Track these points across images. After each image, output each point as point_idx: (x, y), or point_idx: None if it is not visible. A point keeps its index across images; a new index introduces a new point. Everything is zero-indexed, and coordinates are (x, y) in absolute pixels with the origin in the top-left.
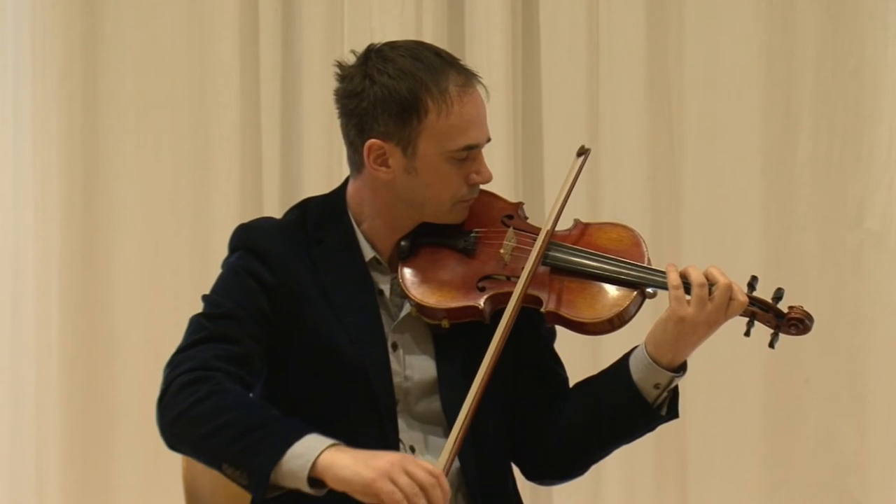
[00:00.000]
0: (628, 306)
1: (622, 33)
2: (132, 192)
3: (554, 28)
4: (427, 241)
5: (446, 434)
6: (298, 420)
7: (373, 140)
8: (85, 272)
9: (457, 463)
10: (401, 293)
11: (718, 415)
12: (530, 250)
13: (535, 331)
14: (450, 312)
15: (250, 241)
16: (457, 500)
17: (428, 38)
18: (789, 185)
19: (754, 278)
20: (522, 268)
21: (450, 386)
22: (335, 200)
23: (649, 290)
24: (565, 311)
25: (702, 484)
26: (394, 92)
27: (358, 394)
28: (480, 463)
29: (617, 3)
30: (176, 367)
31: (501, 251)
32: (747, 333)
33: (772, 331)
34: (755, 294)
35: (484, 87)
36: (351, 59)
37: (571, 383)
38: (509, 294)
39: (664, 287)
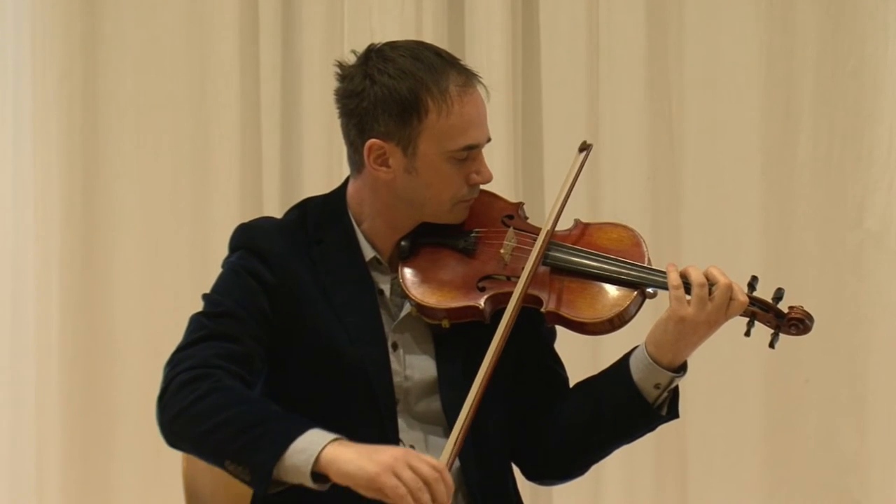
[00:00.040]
0: (628, 306)
1: (622, 33)
2: (132, 192)
3: (554, 28)
4: (427, 241)
5: (446, 434)
6: (300, 415)
7: (373, 140)
8: (85, 272)
9: (457, 463)
10: (401, 293)
11: (718, 415)
12: (530, 250)
13: (535, 331)
14: (450, 312)
15: (251, 240)
16: (457, 500)
17: (428, 38)
18: (789, 185)
19: (754, 278)
20: (523, 268)
21: (450, 386)
22: (335, 200)
23: (649, 290)
24: (565, 311)
25: (702, 484)
26: (394, 92)
27: (358, 393)
28: (480, 463)
29: (617, 3)
30: (176, 366)
31: (502, 251)
32: (747, 333)
33: (772, 331)
34: (755, 294)
35: (484, 86)
36: (351, 59)
37: (571, 383)
38: (509, 294)
39: (664, 287)
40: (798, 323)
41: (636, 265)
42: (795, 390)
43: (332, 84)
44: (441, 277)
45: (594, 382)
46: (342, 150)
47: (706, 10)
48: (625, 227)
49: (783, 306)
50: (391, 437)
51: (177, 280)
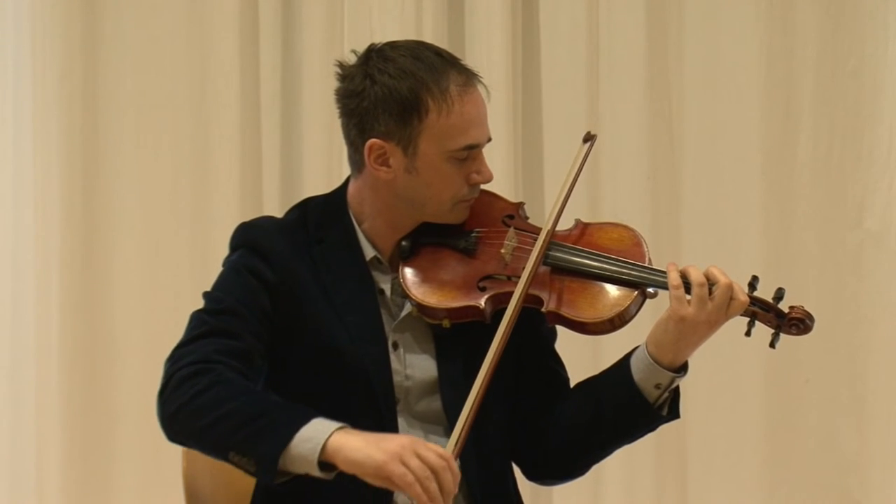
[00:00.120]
0: (629, 306)
1: (622, 33)
2: (132, 192)
3: (554, 28)
4: (428, 240)
5: (447, 433)
6: (303, 405)
7: (373, 140)
8: (85, 272)
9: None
10: (402, 293)
11: (718, 415)
12: (531, 250)
13: (535, 331)
14: (450, 312)
15: (252, 239)
16: (457, 500)
17: (428, 38)
18: (789, 185)
19: (755, 278)
20: (523, 268)
21: (451, 386)
22: (336, 200)
23: (650, 289)
24: (566, 311)
25: (702, 484)
26: (394, 91)
27: (358, 393)
28: (481, 463)
29: (617, 3)
30: (177, 362)
31: (502, 251)
32: (748, 333)
33: (772, 331)
34: (756, 294)
35: (485, 86)
36: (352, 59)
37: (572, 383)
38: (510, 294)
39: (665, 287)
40: (799, 323)
41: (637, 265)
42: (795, 390)
43: (332, 84)
44: (442, 277)
45: (595, 383)
46: (342, 150)
47: (706, 10)
48: (625, 227)
49: (784, 306)
50: None
51: (177, 280)
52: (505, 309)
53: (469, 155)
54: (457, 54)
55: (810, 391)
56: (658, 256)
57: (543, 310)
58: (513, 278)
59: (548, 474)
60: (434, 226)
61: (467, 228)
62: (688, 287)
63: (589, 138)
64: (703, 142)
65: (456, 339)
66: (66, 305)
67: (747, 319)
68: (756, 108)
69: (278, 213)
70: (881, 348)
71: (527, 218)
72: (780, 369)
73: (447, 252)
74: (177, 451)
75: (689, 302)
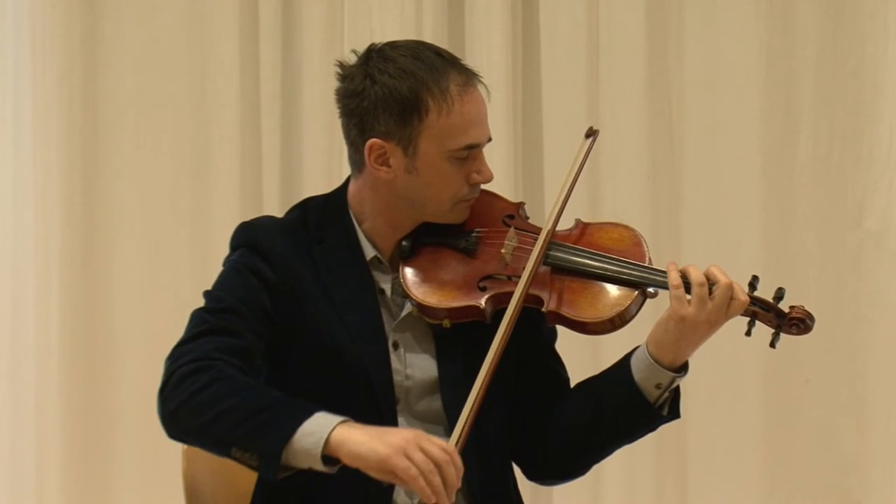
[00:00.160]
0: (629, 306)
1: (622, 33)
2: (132, 192)
3: (554, 28)
4: (428, 240)
5: (447, 433)
6: (304, 400)
7: (374, 139)
8: (85, 272)
9: None
10: (402, 293)
11: (718, 415)
12: (531, 250)
13: (536, 331)
14: (451, 312)
15: (252, 238)
16: (457, 500)
17: (428, 38)
18: (789, 185)
19: (755, 278)
20: (523, 267)
21: (451, 385)
22: (336, 200)
23: (650, 289)
24: (566, 311)
25: (702, 484)
26: (395, 91)
27: (358, 392)
28: (481, 463)
29: (617, 3)
30: (177, 360)
31: (502, 251)
32: (748, 333)
33: (773, 330)
34: (756, 294)
35: (485, 86)
36: (352, 59)
37: (572, 383)
38: (510, 294)
39: (665, 287)
40: (799, 322)
41: (637, 265)
42: (795, 390)
43: (332, 84)
44: (442, 277)
45: (595, 382)
46: (342, 150)
47: (706, 10)
48: (625, 227)
49: (784, 306)
50: None
51: (177, 280)
52: (505, 309)
53: (469, 155)
54: (457, 54)
55: (810, 391)
56: (658, 256)
57: (544, 310)
58: (513, 278)
59: (548, 474)
60: (434, 226)
61: (468, 228)
62: (688, 287)
63: (591, 133)
64: (703, 142)
65: (456, 339)
66: (66, 305)
67: (747, 319)
68: (756, 108)
69: (278, 213)
70: (881, 348)
71: (527, 218)
72: (780, 369)
73: (447, 252)
74: (177, 451)
75: (689, 302)
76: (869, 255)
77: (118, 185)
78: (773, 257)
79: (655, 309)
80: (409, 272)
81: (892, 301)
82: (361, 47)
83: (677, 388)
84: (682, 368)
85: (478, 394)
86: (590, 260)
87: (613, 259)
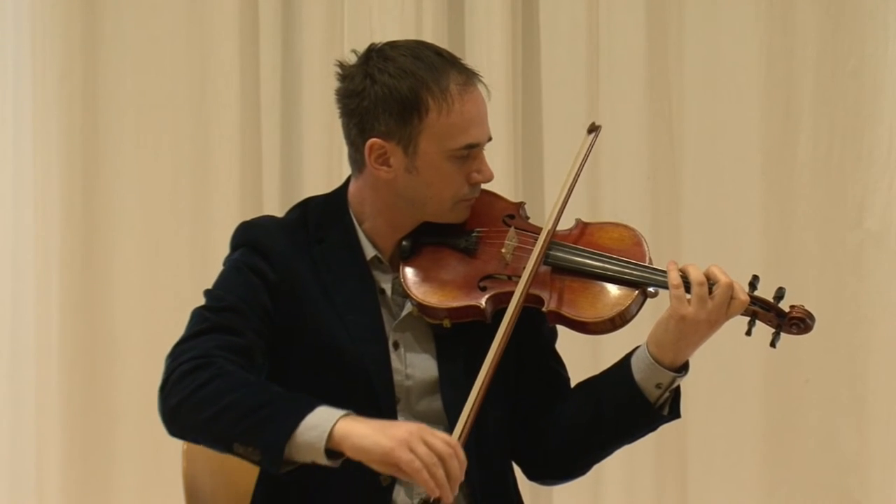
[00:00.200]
0: (630, 305)
1: (622, 33)
2: (132, 192)
3: (554, 28)
4: (428, 240)
5: (447, 433)
6: (306, 395)
7: (374, 139)
8: (85, 272)
9: None
10: (402, 292)
11: (718, 415)
12: (531, 250)
13: (536, 331)
14: (451, 312)
15: (253, 238)
16: (457, 500)
17: (428, 38)
18: (789, 185)
19: (756, 277)
20: (524, 267)
21: (451, 385)
22: (336, 200)
23: (651, 289)
24: (567, 311)
25: (702, 484)
26: (395, 91)
27: (359, 392)
28: (481, 463)
29: (617, 3)
30: (177, 357)
31: (503, 251)
32: (749, 333)
33: (773, 330)
34: (756, 293)
35: (485, 85)
36: (352, 59)
37: (572, 383)
38: (511, 294)
39: (665, 286)
40: (799, 322)
41: (637, 264)
42: (795, 390)
43: (332, 84)
44: (442, 277)
45: (595, 382)
46: (342, 150)
47: (706, 10)
48: (626, 227)
49: (784, 305)
50: None
51: (177, 280)
52: (505, 309)
53: (469, 154)
54: (457, 54)
55: (810, 391)
56: (658, 256)
57: (544, 309)
58: (513, 278)
59: (548, 474)
60: (435, 225)
61: (468, 228)
62: (688, 286)
63: (593, 129)
64: (703, 142)
65: (456, 339)
66: (66, 305)
67: (748, 319)
68: (756, 108)
69: (278, 213)
70: (881, 348)
71: (527, 218)
72: (780, 369)
73: (448, 252)
74: (177, 451)
75: (689, 301)
76: (869, 255)
77: (118, 185)
78: (773, 257)
79: (656, 309)
80: (409, 272)
81: (892, 301)
82: (361, 47)
83: (678, 387)
84: (683, 368)
85: (478, 392)
86: (590, 260)
87: (614, 259)
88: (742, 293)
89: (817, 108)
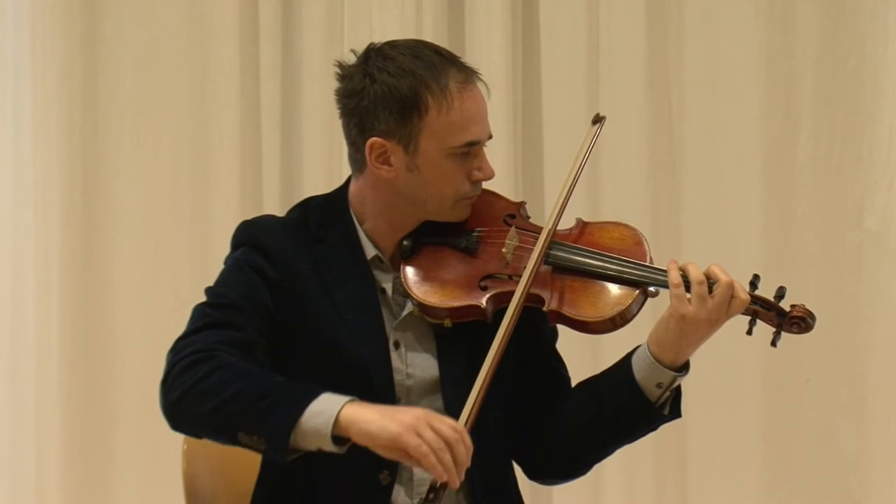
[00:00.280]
0: (630, 305)
1: (622, 33)
2: (132, 192)
3: (554, 28)
4: (429, 240)
5: None
6: (309, 382)
7: (374, 138)
8: (85, 272)
9: None
10: (403, 292)
11: (718, 415)
12: (532, 249)
13: (537, 330)
14: (452, 312)
15: (254, 237)
16: (458, 500)
17: (428, 38)
18: (789, 185)
19: (756, 277)
20: (524, 267)
21: (452, 385)
22: (337, 200)
23: (651, 288)
24: (568, 310)
25: (702, 484)
26: (394, 90)
27: (359, 391)
28: (481, 462)
29: (617, 3)
30: (179, 352)
31: (503, 250)
32: (749, 332)
33: (774, 329)
34: (757, 292)
35: (484, 84)
36: (351, 59)
37: (573, 383)
38: (511, 293)
39: (666, 286)
40: (800, 321)
41: (638, 264)
42: (795, 390)
43: (332, 84)
44: (443, 277)
45: (596, 382)
46: (342, 150)
47: (706, 10)
48: (626, 226)
49: (785, 305)
50: None
51: (177, 280)
52: (506, 308)
53: (470, 152)
54: (457, 54)
55: (810, 391)
56: (658, 256)
57: (545, 309)
58: (514, 277)
59: (549, 474)
60: (435, 225)
61: (469, 228)
62: (688, 285)
63: (598, 120)
64: (703, 142)
65: (457, 339)
66: (66, 305)
67: (748, 318)
68: (756, 108)
69: (278, 213)
70: (881, 348)
71: (528, 217)
72: (780, 369)
73: (448, 251)
74: (177, 451)
75: (689, 300)
76: (869, 255)
77: (118, 185)
78: (773, 257)
79: (656, 308)
80: (410, 271)
81: (892, 301)
82: (361, 47)
83: (678, 387)
84: (684, 367)
85: (479, 391)
86: (591, 259)
87: (614, 258)
88: (742, 292)
89: (817, 108)
